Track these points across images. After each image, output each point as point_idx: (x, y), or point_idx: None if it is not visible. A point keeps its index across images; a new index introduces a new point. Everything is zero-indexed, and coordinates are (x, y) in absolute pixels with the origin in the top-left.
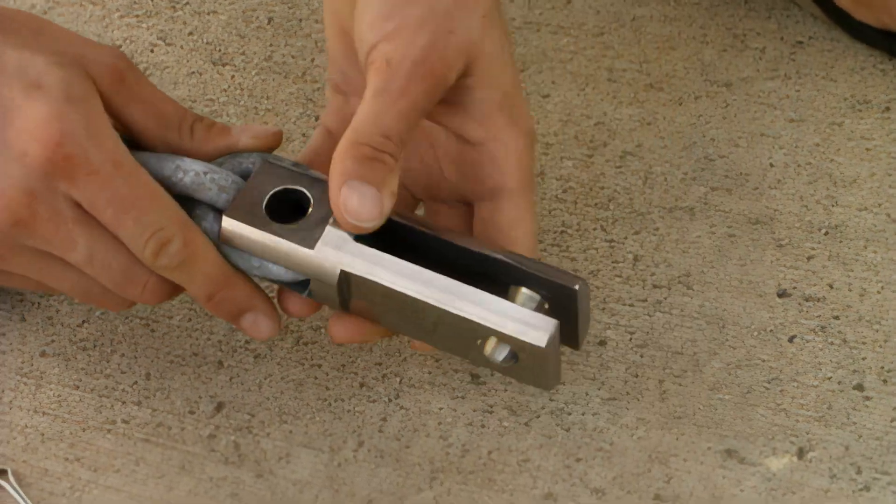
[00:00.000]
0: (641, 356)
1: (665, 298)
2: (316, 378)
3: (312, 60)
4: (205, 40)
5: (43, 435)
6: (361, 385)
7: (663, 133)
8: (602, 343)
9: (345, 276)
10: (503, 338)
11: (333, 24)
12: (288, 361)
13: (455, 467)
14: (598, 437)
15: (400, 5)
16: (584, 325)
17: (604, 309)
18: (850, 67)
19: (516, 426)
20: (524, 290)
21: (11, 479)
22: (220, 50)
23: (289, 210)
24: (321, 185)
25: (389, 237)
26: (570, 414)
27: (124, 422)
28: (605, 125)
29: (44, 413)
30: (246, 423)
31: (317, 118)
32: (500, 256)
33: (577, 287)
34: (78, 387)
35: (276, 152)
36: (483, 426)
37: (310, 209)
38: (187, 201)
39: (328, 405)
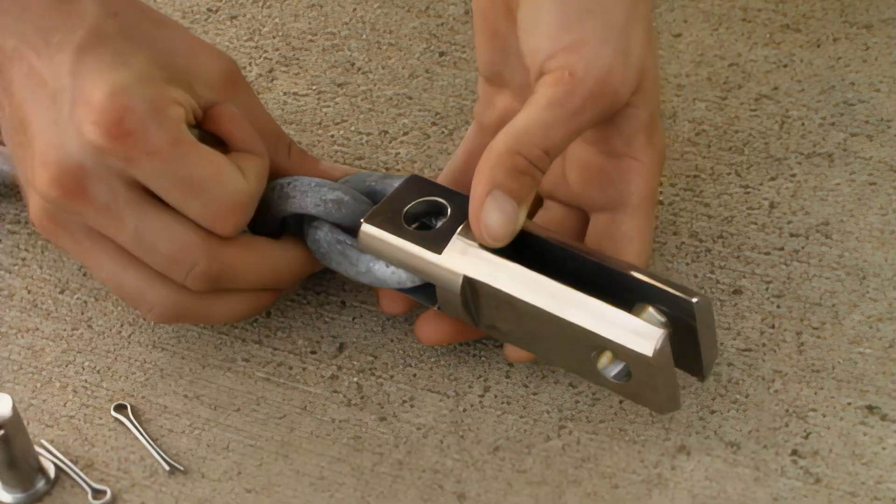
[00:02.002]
0: (778, 306)
1: (802, 247)
2: None
3: None
4: None
5: (162, 371)
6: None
7: (800, 76)
8: (737, 292)
9: (467, 282)
10: (611, 347)
11: (483, 27)
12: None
13: (584, 416)
14: (733, 388)
15: (577, 17)
16: (710, 350)
17: (738, 257)
18: None
19: None
20: (650, 308)
21: (130, 414)
22: None
23: (429, 225)
24: (460, 199)
25: (516, 244)
26: None
27: (245, 360)
28: (740, 67)
29: (163, 349)
30: (369, 364)
31: (441, 54)
32: (623, 270)
33: (694, 301)
34: (197, 323)
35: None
36: None
37: (444, 219)
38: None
39: (453, 349)
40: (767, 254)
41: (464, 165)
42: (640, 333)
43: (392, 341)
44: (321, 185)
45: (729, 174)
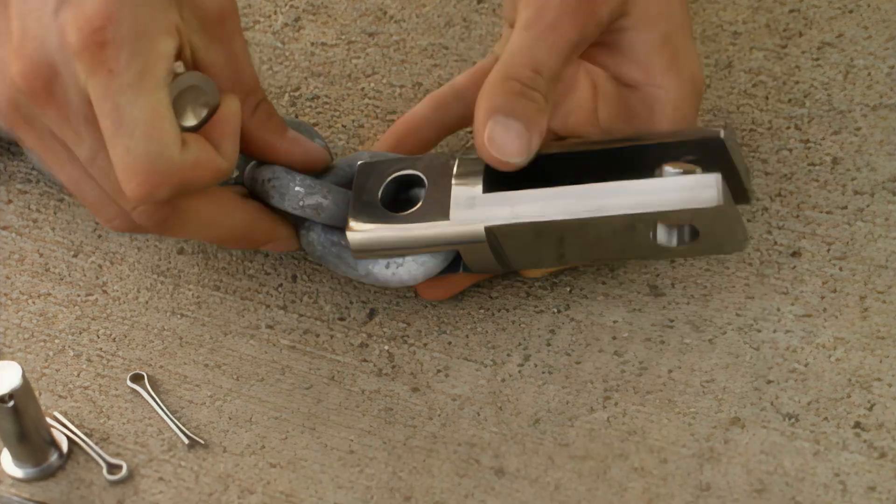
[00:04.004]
0: (840, 269)
1: (867, 206)
2: (478, 286)
3: None
4: None
5: (181, 339)
6: (528, 294)
7: (867, 22)
8: (796, 254)
9: (491, 232)
10: (673, 216)
11: None
12: None
13: (631, 386)
14: (790, 357)
15: None
16: (746, 174)
17: (798, 217)
18: None
19: (699, 343)
20: (667, 167)
21: (147, 384)
22: None
23: (403, 203)
24: (428, 160)
25: (516, 174)
26: (759, 331)
27: (269, 327)
28: (801, 12)
29: (182, 315)
30: (401, 332)
31: (479, 0)
32: (629, 141)
33: (721, 134)
34: (219, 287)
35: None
36: (662, 342)
37: (424, 188)
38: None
39: (491, 315)
40: (829, 213)
41: (466, 81)
42: (694, 188)
43: (425, 307)
44: (301, 185)
45: (788, 128)
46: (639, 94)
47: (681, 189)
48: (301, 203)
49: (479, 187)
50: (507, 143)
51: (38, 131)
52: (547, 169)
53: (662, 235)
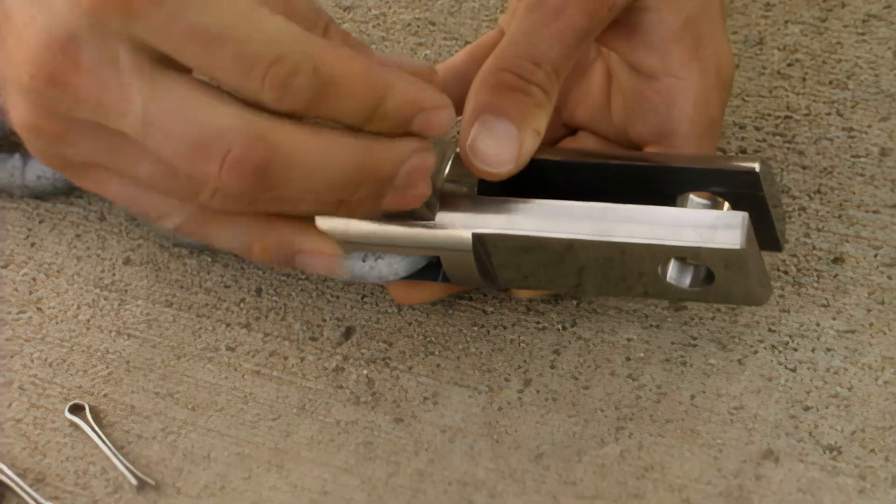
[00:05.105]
0: (889, 278)
1: None
2: (471, 299)
3: None
4: None
5: (128, 363)
6: (528, 309)
7: None
8: (838, 260)
9: (479, 240)
10: (686, 253)
11: None
12: None
13: (648, 415)
14: (832, 379)
15: None
16: (781, 218)
17: (840, 217)
18: None
19: (727, 364)
20: (692, 196)
21: (89, 417)
22: None
23: None
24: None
25: (520, 177)
26: (796, 350)
27: (229, 349)
28: None
29: (129, 335)
30: (382, 353)
31: None
32: (653, 162)
33: (756, 167)
34: (171, 304)
35: None
36: (684, 363)
37: None
38: None
39: (486, 333)
40: (877, 212)
41: (466, 60)
42: (716, 226)
43: (410, 324)
44: None
45: (829, 114)
46: (656, 86)
47: (700, 224)
48: None
49: (474, 187)
50: (491, 150)
51: (77, 136)
52: (553, 176)
53: (673, 273)
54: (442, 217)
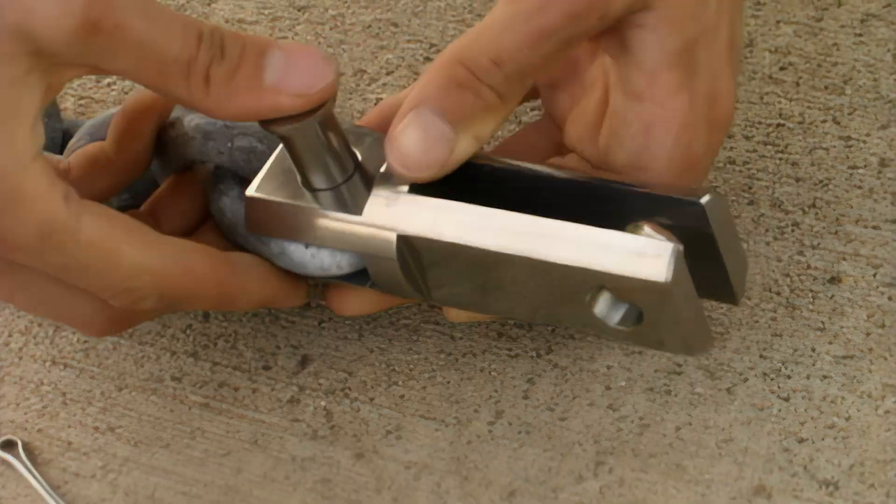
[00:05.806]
0: (890, 298)
1: None
2: (437, 323)
3: None
4: None
5: (65, 395)
6: (500, 335)
7: None
8: (834, 280)
9: (404, 242)
10: (609, 282)
11: None
12: None
13: (629, 448)
14: (828, 409)
15: None
16: (736, 263)
17: (836, 233)
18: None
19: (715, 393)
20: (646, 225)
21: (22, 454)
22: None
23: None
24: (374, 137)
25: (462, 178)
26: (789, 377)
27: (175, 379)
28: None
29: (65, 365)
30: (341, 383)
31: None
32: (600, 182)
33: (704, 200)
34: None
35: None
36: (669, 393)
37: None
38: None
39: (454, 361)
40: (876, 228)
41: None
42: (643, 254)
43: (372, 352)
44: (231, 126)
45: (825, 121)
46: (638, 110)
47: (626, 251)
48: (230, 145)
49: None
50: (413, 149)
51: None
52: (505, 183)
53: (601, 307)
54: (370, 212)
